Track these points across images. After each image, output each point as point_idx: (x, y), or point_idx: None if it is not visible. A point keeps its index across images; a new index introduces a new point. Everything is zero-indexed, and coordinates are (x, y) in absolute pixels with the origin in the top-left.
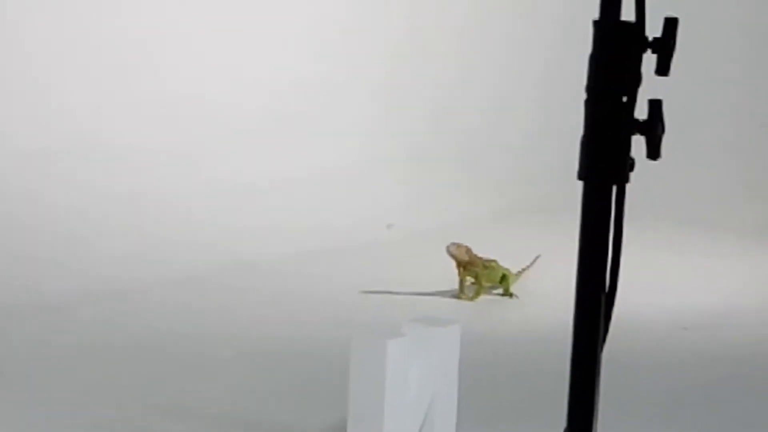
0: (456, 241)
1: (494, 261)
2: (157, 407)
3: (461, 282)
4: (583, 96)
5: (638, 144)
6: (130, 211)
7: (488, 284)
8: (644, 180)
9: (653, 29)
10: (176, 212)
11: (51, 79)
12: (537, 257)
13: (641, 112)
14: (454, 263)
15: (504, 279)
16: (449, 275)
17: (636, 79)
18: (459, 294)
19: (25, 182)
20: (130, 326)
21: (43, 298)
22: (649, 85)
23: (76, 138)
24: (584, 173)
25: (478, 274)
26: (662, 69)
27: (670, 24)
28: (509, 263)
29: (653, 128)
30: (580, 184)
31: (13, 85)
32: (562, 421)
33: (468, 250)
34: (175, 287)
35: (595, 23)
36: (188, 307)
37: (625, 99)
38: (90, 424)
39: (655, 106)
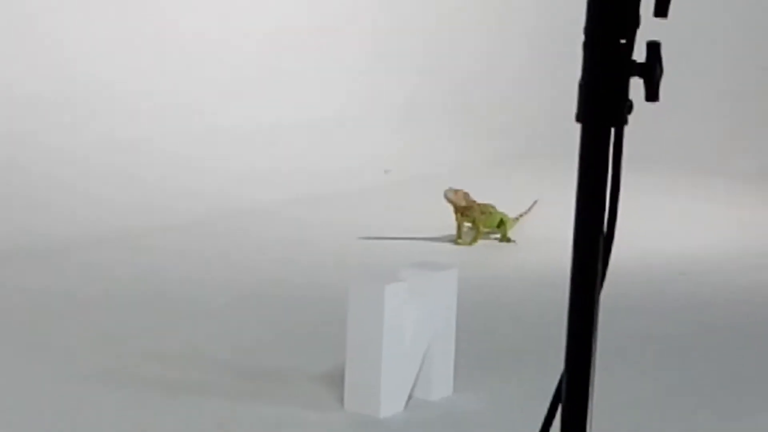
0: (453, 186)
1: (491, 206)
2: (153, 354)
3: (459, 227)
4: (576, 42)
5: (636, 88)
6: (129, 157)
7: (486, 229)
8: (642, 124)
9: None
10: (174, 159)
11: (52, 26)
12: (535, 202)
13: (639, 55)
14: (451, 208)
15: (501, 224)
16: (447, 220)
17: (634, 22)
18: (456, 239)
19: (25, 128)
20: (128, 273)
21: (42, 243)
22: (647, 28)
23: (76, 84)
24: (582, 116)
25: (475, 219)
26: (660, 11)
27: None
28: (507, 208)
29: (651, 71)
30: (574, 129)
31: (15, 33)
32: (559, 364)
33: (465, 195)
34: (173, 233)
35: None
36: (185, 253)
37: (623, 41)
38: (86, 372)
39: (654, 48)
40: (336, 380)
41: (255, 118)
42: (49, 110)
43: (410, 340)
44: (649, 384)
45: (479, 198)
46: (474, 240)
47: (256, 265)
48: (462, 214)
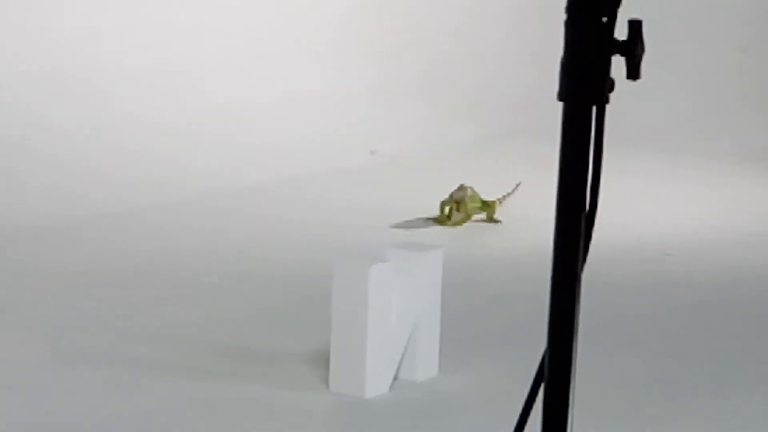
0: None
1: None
2: (136, 333)
3: (443, 208)
4: (559, 20)
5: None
6: (123, 134)
7: (474, 213)
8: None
9: None
10: (162, 136)
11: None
12: (518, 184)
13: (621, 33)
14: (453, 206)
15: (486, 205)
16: (432, 201)
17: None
18: (442, 220)
19: (22, 105)
20: (119, 251)
21: (36, 221)
22: (629, 5)
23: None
24: (564, 94)
25: (467, 204)
26: None
27: None
28: (490, 189)
29: (633, 48)
30: (557, 109)
31: (21, 7)
32: (544, 343)
33: (472, 192)
34: (160, 212)
35: None
36: (171, 232)
37: (605, 19)
38: (67, 351)
39: (635, 26)
40: (321, 361)
41: (242, 97)
42: (43, 86)
43: (395, 320)
44: (637, 364)
45: (463, 179)
46: (462, 221)
47: (243, 244)
48: (459, 210)
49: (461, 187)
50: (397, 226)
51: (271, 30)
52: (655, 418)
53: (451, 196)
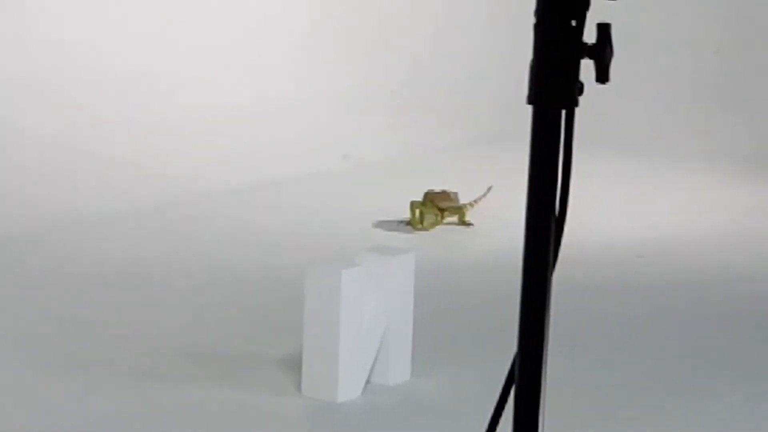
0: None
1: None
2: (111, 339)
3: (414, 210)
4: (529, 23)
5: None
6: (93, 139)
7: (448, 216)
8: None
9: None
10: (135, 142)
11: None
12: (490, 188)
13: (590, 37)
14: (435, 211)
15: (458, 209)
16: (405, 205)
17: (585, 3)
18: (414, 223)
19: None
20: (90, 256)
21: (6, 228)
22: (598, 9)
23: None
24: (533, 98)
25: (441, 207)
26: None
27: None
28: (462, 193)
29: (602, 52)
30: (529, 112)
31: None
32: (515, 346)
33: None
34: (133, 218)
35: None
36: (145, 238)
37: (573, 23)
38: (45, 357)
39: (604, 29)
40: (293, 365)
41: (214, 101)
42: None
43: (368, 324)
44: (609, 366)
45: (435, 184)
46: (433, 225)
47: (215, 249)
48: (443, 212)
49: (445, 194)
50: (370, 230)
51: (244, 33)
52: (627, 421)
53: (425, 197)
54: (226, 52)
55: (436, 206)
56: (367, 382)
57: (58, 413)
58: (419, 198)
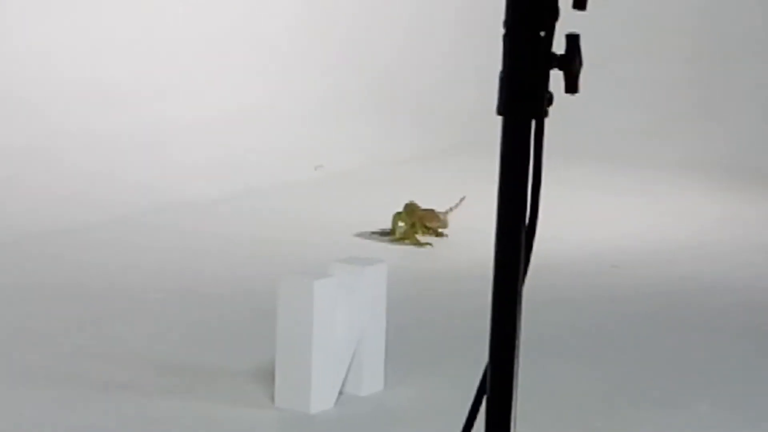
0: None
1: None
2: (81, 351)
3: (396, 221)
4: (498, 34)
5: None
6: (60, 150)
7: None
8: (564, 116)
9: None
10: (108, 152)
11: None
12: (462, 198)
13: (559, 47)
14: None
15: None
16: (377, 215)
17: (554, 14)
18: (394, 237)
19: None
20: (59, 267)
21: None
22: (567, 20)
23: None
24: (503, 108)
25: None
26: (579, 3)
27: None
28: (434, 203)
29: (571, 63)
30: (497, 122)
31: None
32: (486, 357)
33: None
34: (106, 228)
35: None
36: (116, 248)
37: (542, 33)
38: (11, 369)
39: (573, 40)
40: (266, 376)
41: (184, 112)
42: None
43: (340, 335)
44: (583, 376)
45: (408, 194)
46: (406, 237)
47: (187, 260)
48: (425, 226)
49: (433, 213)
50: (342, 240)
51: (214, 44)
52: (601, 431)
53: (406, 207)
54: (197, 63)
55: (423, 225)
56: (340, 393)
57: (29, 425)
58: (400, 209)
